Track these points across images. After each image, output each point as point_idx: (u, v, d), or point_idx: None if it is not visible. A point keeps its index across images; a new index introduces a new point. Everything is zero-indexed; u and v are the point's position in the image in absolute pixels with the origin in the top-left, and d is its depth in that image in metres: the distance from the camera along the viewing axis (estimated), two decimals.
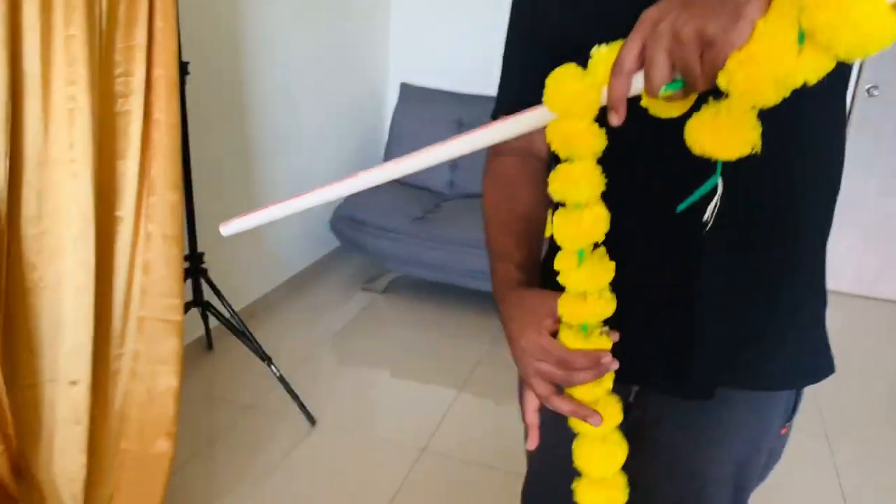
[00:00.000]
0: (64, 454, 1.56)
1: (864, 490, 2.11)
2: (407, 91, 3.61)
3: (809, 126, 0.75)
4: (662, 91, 0.53)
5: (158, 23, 1.59)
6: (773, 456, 0.91)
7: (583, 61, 0.64)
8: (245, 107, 2.69)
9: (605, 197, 0.66)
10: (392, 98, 3.76)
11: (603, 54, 0.58)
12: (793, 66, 0.49)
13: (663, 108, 0.58)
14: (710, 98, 0.55)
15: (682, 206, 0.62)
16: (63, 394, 1.55)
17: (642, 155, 0.74)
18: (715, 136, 0.55)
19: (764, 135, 0.57)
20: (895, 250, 3.54)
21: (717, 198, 0.59)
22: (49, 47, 1.42)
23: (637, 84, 0.56)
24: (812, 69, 0.49)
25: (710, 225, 0.62)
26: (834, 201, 0.84)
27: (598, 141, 0.62)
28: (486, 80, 3.71)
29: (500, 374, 2.58)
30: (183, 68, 1.90)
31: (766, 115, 0.54)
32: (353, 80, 3.53)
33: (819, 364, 0.86)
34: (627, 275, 0.80)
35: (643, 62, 0.54)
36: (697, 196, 0.60)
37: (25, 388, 1.53)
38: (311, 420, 2.23)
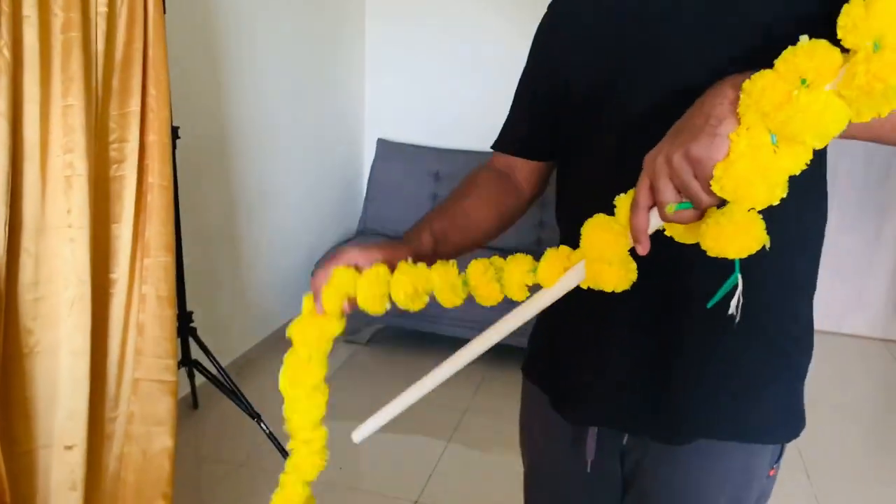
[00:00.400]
0: None
1: None
2: (384, 146, 3.70)
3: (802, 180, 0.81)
4: (672, 210, 0.62)
5: (152, 91, 1.65)
6: (763, 496, 0.94)
7: (578, 107, 0.79)
8: (230, 168, 2.74)
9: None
10: (369, 153, 3.84)
11: (622, 201, 0.68)
12: (771, 162, 0.57)
13: (684, 234, 0.67)
14: (713, 209, 0.63)
15: (711, 303, 0.70)
16: (58, 459, 1.54)
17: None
18: (722, 239, 0.62)
19: None
20: (858, 286, 3.68)
21: (738, 293, 0.67)
22: (48, 117, 1.47)
23: (654, 218, 0.65)
24: (792, 161, 0.58)
25: (737, 319, 0.69)
26: (817, 256, 0.88)
27: (630, 274, 0.71)
28: (463, 134, 3.84)
29: (488, 422, 2.60)
30: (174, 133, 1.95)
31: None
32: (332, 138, 3.62)
33: (794, 420, 0.90)
34: (611, 323, 0.87)
35: (655, 199, 0.63)
36: (722, 294, 0.68)
37: (21, 455, 1.52)
38: None
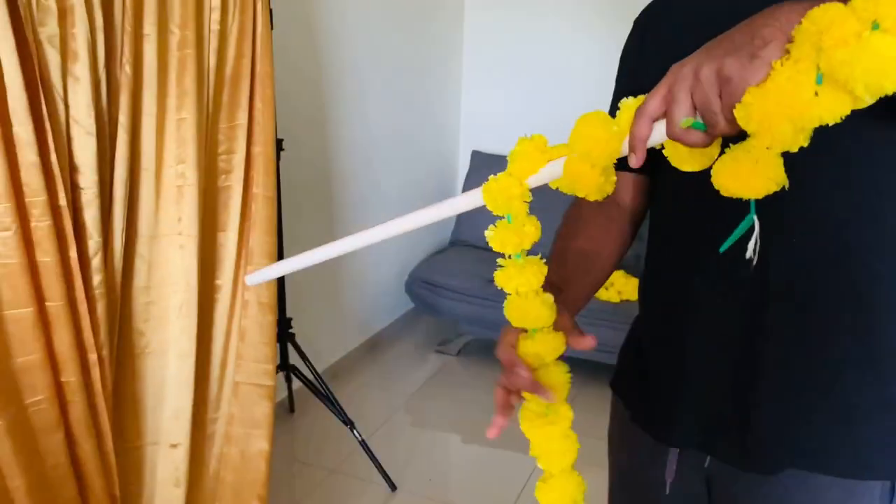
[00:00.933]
0: None
1: None
2: (478, 158, 3.70)
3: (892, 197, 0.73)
4: (684, 125, 0.55)
5: (258, 104, 1.71)
6: None
7: None
8: (331, 179, 2.82)
9: (664, 262, 0.68)
10: (464, 165, 3.86)
11: (629, 104, 0.60)
12: (808, 105, 0.50)
13: (682, 159, 0.59)
14: (731, 144, 0.56)
15: (724, 246, 0.62)
16: (164, 456, 1.61)
17: (708, 220, 0.75)
18: (738, 176, 0.55)
19: (837, 201, 0.60)
20: None
21: (755, 235, 0.59)
22: (163, 129, 1.54)
23: (658, 131, 0.57)
24: (829, 109, 0.50)
25: (754, 263, 0.61)
26: None
27: (607, 185, 0.64)
28: (555, 143, 3.80)
29: (581, 439, 2.54)
30: (278, 145, 2.01)
31: (840, 181, 0.55)
32: (428, 150, 3.65)
33: None
34: (698, 342, 0.82)
35: (667, 109, 0.55)
36: (737, 235, 0.60)
37: (130, 451, 1.60)
38: (392, 486, 2.24)
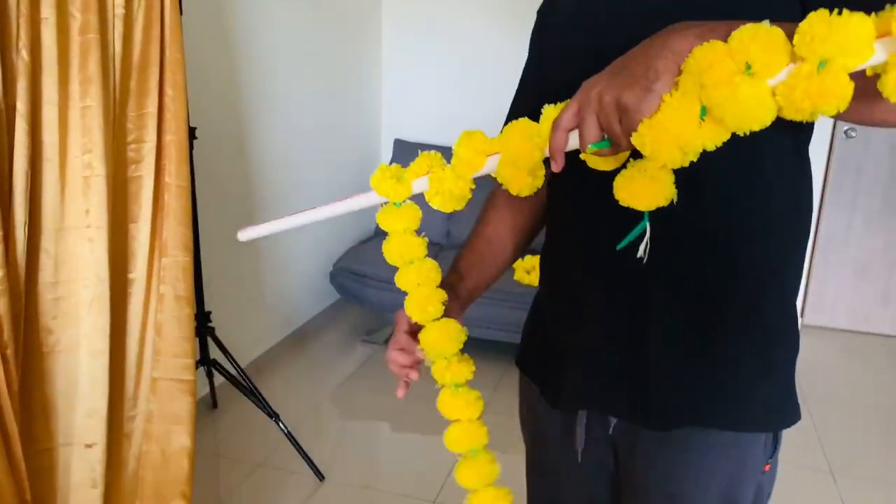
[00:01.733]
0: None
1: None
2: (401, 147, 3.70)
3: (769, 174, 0.80)
4: (591, 147, 0.64)
5: (169, 91, 1.66)
6: (762, 493, 0.92)
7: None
8: (247, 168, 2.76)
9: (562, 238, 0.76)
10: (386, 154, 3.85)
11: (549, 114, 0.69)
12: (693, 135, 0.59)
13: (598, 162, 0.69)
14: (631, 159, 0.66)
15: (620, 246, 0.72)
16: (79, 457, 1.55)
17: (590, 202, 0.82)
18: (634, 191, 0.65)
19: (719, 175, 0.69)
20: (883, 285, 3.61)
21: (646, 239, 0.70)
22: (66, 118, 1.48)
23: (573, 140, 0.66)
24: (710, 138, 0.59)
25: (645, 261, 0.73)
26: (799, 250, 0.86)
27: (535, 182, 0.74)
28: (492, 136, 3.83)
29: (506, 422, 2.58)
30: (191, 134, 1.96)
31: (724, 156, 0.63)
32: (349, 139, 3.62)
33: (787, 408, 0.88)
34: (591, 306, 0.87)
35: (578, 127, 0.64)
36: (630, 238, 0.71)
37: (41, 453, 1.54)
38: (320, 476, 2.23)
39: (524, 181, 0.73)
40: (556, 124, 0.65)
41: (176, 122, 1.67)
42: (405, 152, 3.67)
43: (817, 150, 3.47)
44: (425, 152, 0.80)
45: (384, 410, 2.75)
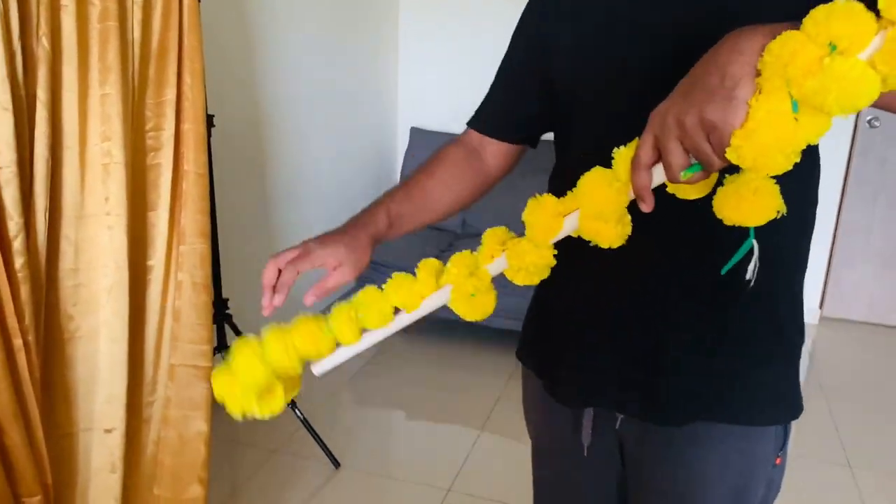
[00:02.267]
0: (99, 502, 1.58)
1: None
2: (417, 135, 3.69)
3: None
4: (683, 175, 0.59)
5: (187, 79, 1.66)
6: (772, 487, 0.92)
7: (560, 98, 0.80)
8: (265, 156, 2.76)
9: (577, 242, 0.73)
10: (402, 142, 3.84)
11: (623, 154, 0.64)
12: (792, 133, 0.54)
13: (688, 191, 0.64)
14: (727, 175, 0.61)
15: (725, 269, 0.68)
16: (98, 442, 1.57)
17: None
18: (739, 208, 0.60)
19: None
20: None
21: (754, 259, 0.65)
22: (86, 106, 1.48)
23: (657, 174, 0.62)
24: (812, 131, 0.54)
25: (751, 285, 0.68)
26: (805, 242, 0.85)
27: (625, 230, 0.69)
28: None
29: (521, 410, 2.59)
30: (209, 122, 1.96)
31: None
32: (365, 127, 3.62)
33: (792, 401, 0.88)
34: (600, 302, 0.86)
35: (658, 155, 0.60)
36: (737, 259, 0.66)
37: (62, 437, 1.56)
38: (336, 463, 2.24)
39: (614, 232, 0.68)
40: (636, 163, 0.61)
41: (194, 110, 1.67)
42: (422, 140, 3.66)
43: (840, 141, 3.42)
44: (489, 230, 0.75)
45: (399, 398, 2.77)
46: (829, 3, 0.51)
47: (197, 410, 1.72)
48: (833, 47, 0.51)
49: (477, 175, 1.00)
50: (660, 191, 0.64)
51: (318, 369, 0.86)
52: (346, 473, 2.24)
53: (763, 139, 0.54)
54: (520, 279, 0.74)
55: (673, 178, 0.60)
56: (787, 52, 0.52)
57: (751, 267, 0.66)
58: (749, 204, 0.60)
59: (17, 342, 1.37)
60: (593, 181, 0.66)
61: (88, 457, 1.58)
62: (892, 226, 3.50)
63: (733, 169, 0.59)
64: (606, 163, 0.68)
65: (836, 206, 3.53)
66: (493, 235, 0.74)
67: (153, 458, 1.70)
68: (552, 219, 0.70)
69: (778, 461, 0.89)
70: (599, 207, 0.66)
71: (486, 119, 1.02)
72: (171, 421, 1.71)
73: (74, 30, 1.41)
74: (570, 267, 0.80)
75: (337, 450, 2.28)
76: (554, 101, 0.90)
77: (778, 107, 0.53)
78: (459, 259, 0.76)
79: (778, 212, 0.61)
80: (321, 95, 3.12)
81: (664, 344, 0.83)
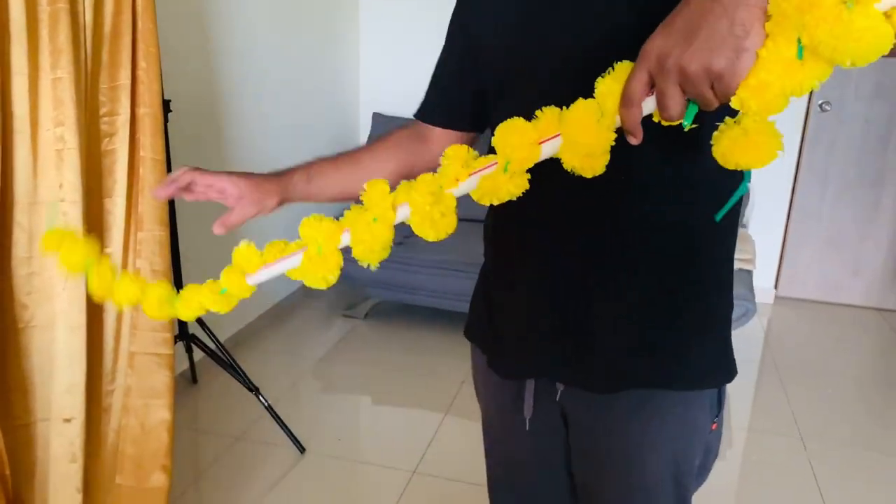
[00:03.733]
0: (59, 492, 1.56)
1: (842, 488, 2.19)
2: (379, 120, 3.68)
3: (705, 137, 0.76)
4: (686, 123, 0.58)
5: (141, 63, 1.63)
6: (710, 451, 0.94)
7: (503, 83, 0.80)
8: (223, 141, 2.73)
9: (507, 205, 0.71)
10: (364, 127, 3.82)
11: (608, 86, 0.62)
12: (797, 79, 0.53)
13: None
14: (726, 117, 0.60)
15: (719, 216, 0.69)
16: (57, 432, 1.55)
17: (540, 166, 0.76)
18: (747, 152, 0.59)
19: (654, 140, 0.63)
20: (853, 257, 3.68)
21: (747, 204, 0.64)
22: (37, 90, 1.45)
23: (645, 107, 0.60)
24: (815, 77, 0.53)
25: (748, 226, 0.68)
26: (733, 210, 0.84)
27: (606, 159, 0.66)
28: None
29: (444, 383, 2.62)
30: (166, 106, 1.93)
31: (657, 135, 0.61)
32: (326, 112, 3.59)
33: (725, 366, 0.90)
34: (532, 273, 0.87)
35: (650, 90, 0.58)
36: (732, 203, 0.67)
37: (19, 428, 1.53)
38: (301, 448, 2.25)
39: (598, 162, 0.65)
40: (628, 99, 0.59)
41: (150, 94, 1.64)
42: (383, 126, 3.65)
43: (791, 125, 3.51)
44: (450, 149, 0.71)
45: (364, 384, 2.77)
46: None
47: (159, 398, 1.71)
48: (850, 4, 0.49)
49: (418, 159, 1.00)
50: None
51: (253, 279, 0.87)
52: (312, 458, 2.24)
53: (770, 88, 0.53)
54: (486, 201, 0.70)
55: (669, 118, 0.58)
56: None
57: (743, 210, 0.66)
58: (757, 147, 0.59)
59: None
60: (579, 117, 0.64)
61: (47, 447, 1.55)
62: (840, 208, 3.62)
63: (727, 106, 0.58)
64: None
65: (789, 190, 3.63)
66: (455, 157, 0.70)
67: (114, 448, 1.69)
68: (529, 147, 0.67)
69: (714, 426, 0.92)
70: (590, 145, 0.64)
71: (430, 109, 1.02)
72: (132, 409, 1.69)
73: (23, 12, 1.38)
74: (507, 242, 0.81)
75: (302, 435, 2.28)
76: (482, 80, 0.91)
77: (785, 54, 0.52)
78: (423, 184, 0.72)
79: (780, 153, 0.60)
80: (281, 80, 3.09)
81: (595, 313, 0.85)
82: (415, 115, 1.04)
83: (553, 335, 0.88)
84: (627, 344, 0.85)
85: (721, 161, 0.61)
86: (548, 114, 0.67)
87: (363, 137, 3.84)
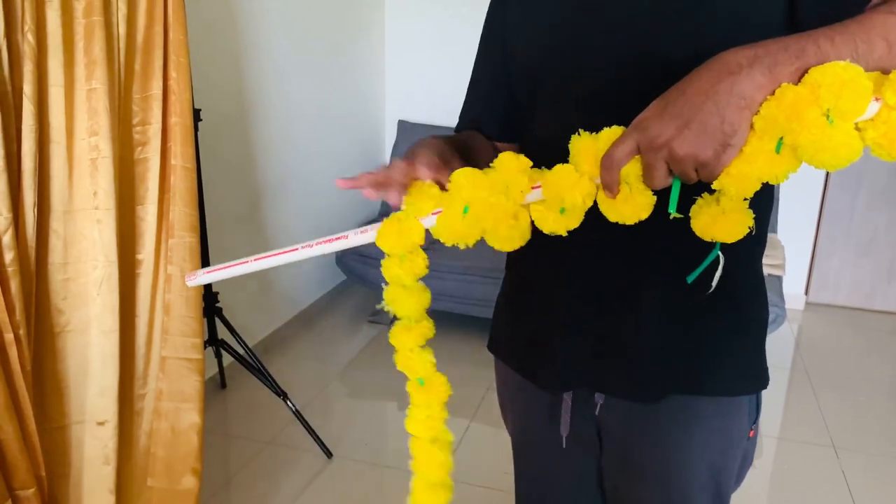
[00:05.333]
0: (93, 494, 1.59)
1: (877, 499, 2.15)
2: (404, 128, 3.70)
3: None
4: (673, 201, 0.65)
5: (172, 73, 1.67)
6: (747, 459, 0.94)
7: (539, 92, 0.81)
8: (252, 150, 2.77)
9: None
10: (390, 135, 3.85)
11: (585, 146, 0.67)
12: (774, 172, 0.60)
13: (625, 215, 0.68)
14: (705, 193, 0.66)
15: (691, 278, 0.73)
16: (91, 434, 1.59)
17: None
18: (720, 227, 0.66)
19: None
20: (887, 263, 3.61)
21: (719, 269, 0.71)
22: (72, 100, 1.49)
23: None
24: (789, 170, 0.60)
25: (712, 290, 0.73)
26: (764, 216, 0.86)
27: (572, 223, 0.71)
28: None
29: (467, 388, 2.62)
30: (196, 115, 1.97)
31: None
32: (353, 120, 3.63)
33: (763, 371, 0.90)
34: (574, 285, 0.87)
35: (645, 172, 0.63)
36: (702, 268, 0.72)
37: (54, 430, 1.57)
38: (328, 453, 2.26)
39: (560, 223, 0.70)
40: (610, 163, 0.63)
41: (180, 104, 1.68)
42: (409, 133, 3.68)
43: None
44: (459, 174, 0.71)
45: (391, 389, 2.79)
46: (834, 65, 0.56)
47: (189, 402, 1.74)
48: (830, 118, 0.56)
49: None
50: None
51: (192, 280, 0.86)
52: (339, 463, 2.26)
53: (748, 176, 0.60)
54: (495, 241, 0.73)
55: (652, 187, 0.64)
56: (788, 107, 0.57)
57: (717, 275, 0.71)
58: (726, 223, 0.65)
59: (9, 336, 1.38)
60: (562, 175, 0.68)
61: (81, 449, 1.59)
62: (873, 212, 3.55)
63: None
64: (564, 151, 0.70)
65: (819, 193, 3.58)
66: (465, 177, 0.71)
67: (146, 450, 1.72)
68: (525, 177, 0.70)
69: (751, 434, 0.92)
70: (565, 200, 0.68)
71: (479, 124, 0.98)
72: (163, 413, 1.72)
73: (59, 25, 1.42)
74: (540, 251, 0.80)
75: (329, 441, 2.30)
76: (517, 90, 0.90)
77: (766, 148, 0.59)
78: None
79: (750, 228, 0.66)
80: (307, 89, 3.13)
81: (643, 322, 0.85)
82: (456, 131, 1.01)
83: (594, 344, 0.87)
84: (672, 351, 0.85)
85: (699, 234, 0.67)
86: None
87: (388, 145, 3.87)
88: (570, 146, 0.68)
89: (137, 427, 1.71)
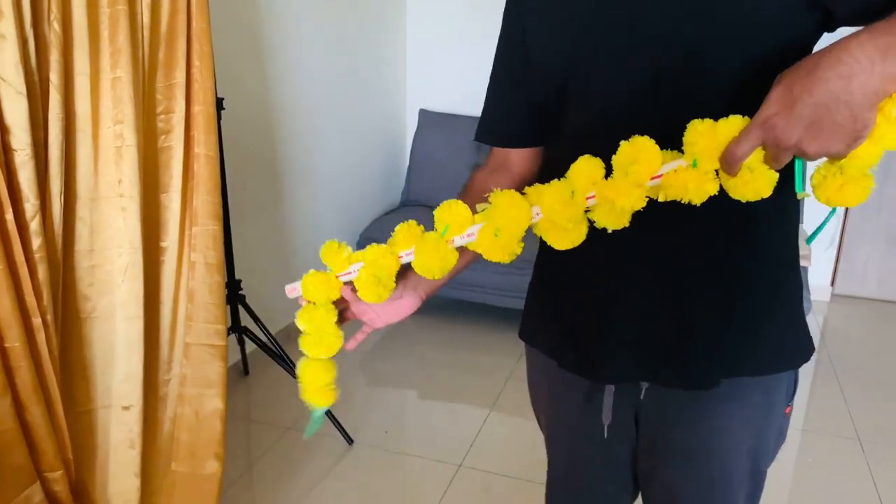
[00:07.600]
0: (118, 477, 1.62)
1: None
2: (426, 117, 3.70)
3: None
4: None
5: (196, 62, 1.68)
6: (781, 434, 0.94)
7: (563, 94, 0.83)
8: (274, 138, 2.79)
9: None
10: (412, 124, 3.85)
11: (702, 132, 0.69)
12: (892, 139, 0.63)
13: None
14: (826, 164, 0.69)
15: (810, 239, 0.78)
16: (117, 419, 1.61)
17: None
18: (847, 193, 0.68)
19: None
20: None
21: (839, 224, 0.74)
22: (98, 89, 1.51)
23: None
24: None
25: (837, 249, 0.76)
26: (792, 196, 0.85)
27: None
28: None
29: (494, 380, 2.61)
30: (219, 104, 1.98)
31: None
32: (374, 109, 3.63)
33: (805, 343, 0.90)
34: (622, 275, 0.86)
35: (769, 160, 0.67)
36: (823, 227, 0.76)
37: (81, 414, 1.60)
38: (349, 440, 2.28)
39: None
40: (734, 158, 0.66)
41: (204, 92, 1.69)
42: (430, 122, 3.67)
43: None
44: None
45: (410, 378, 2.80)
46: None
47: (212, 388, 1.76)
48: None
49: (507, 186, 0.93)
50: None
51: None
52: (360, 450, 2.28)
53: (878, 153, 0.64)
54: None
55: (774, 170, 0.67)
56: None
57: (833, 231, 0.76)
58: (852, 190, 0.67)
59: (37, 321, 1.41)
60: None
61: (107, 433, 1.62)
62: None
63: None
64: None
65: None
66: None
67: (170, 435, 1.74)
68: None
69: (788, 410, 0.92)
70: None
71: (492, 132, 0.98)
72: (187, 398, 1.75)
73: (85, 14, 1.43)
74: (591, 248, 0.79)
75: (350, 428, 2.32)
76: (541, 92, 0.88)
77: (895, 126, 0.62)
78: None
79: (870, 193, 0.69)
80: (330, 77, 3.13)
81: (687, 306, 0.84)
82: (482, 141, 0.99)
83: (644, 333, 0.86)
84: (722, 335, 0.84)
85: (824, 202, 0.70)
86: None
87: (410, 134, 3.86)
88: (685, 133, 0.70)
89: (162, 412, 1.73)
